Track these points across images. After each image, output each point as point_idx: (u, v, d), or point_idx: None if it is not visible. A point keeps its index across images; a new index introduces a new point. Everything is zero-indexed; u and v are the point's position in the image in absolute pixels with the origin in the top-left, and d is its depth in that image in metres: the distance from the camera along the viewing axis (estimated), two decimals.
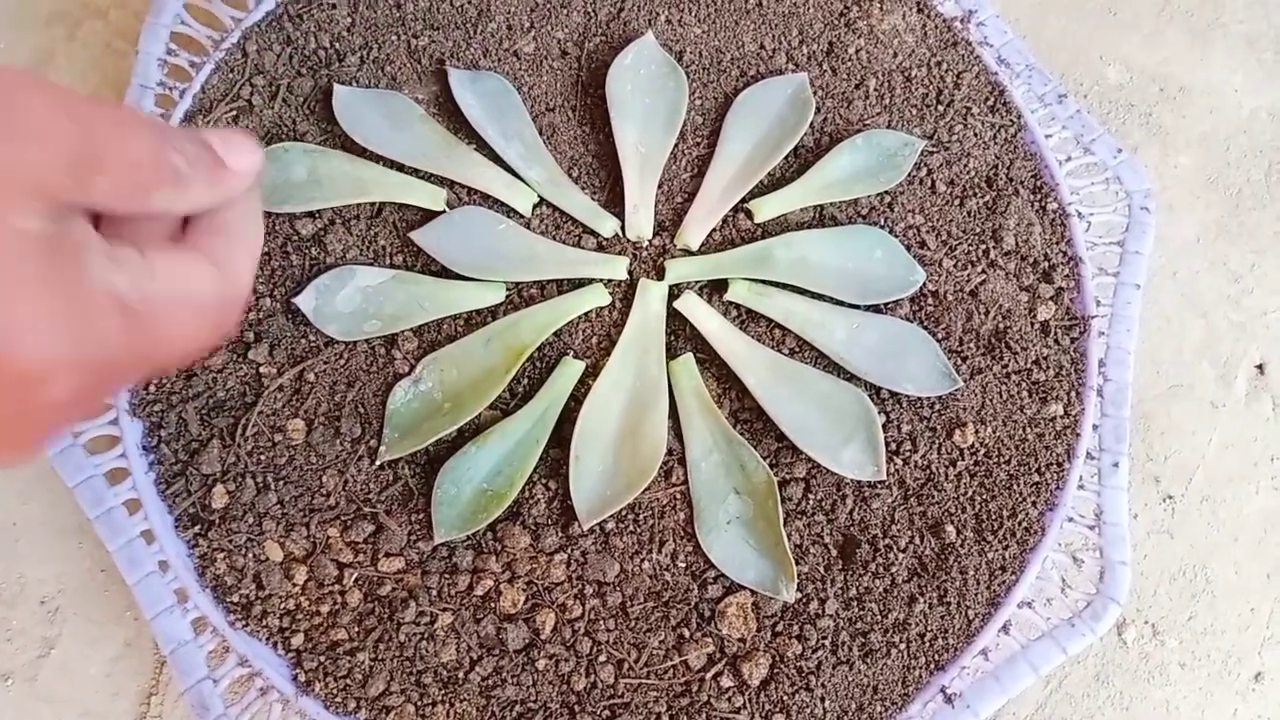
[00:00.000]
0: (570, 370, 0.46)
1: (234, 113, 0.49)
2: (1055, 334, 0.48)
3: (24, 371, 0.21)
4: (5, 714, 0.48)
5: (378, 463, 0.44)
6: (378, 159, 0.49)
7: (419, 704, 0.41)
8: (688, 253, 0.49)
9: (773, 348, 0.47)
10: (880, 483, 0.45)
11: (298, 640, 0.42)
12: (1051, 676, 0.50)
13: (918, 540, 0.44)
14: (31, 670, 0.48)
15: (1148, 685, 0.50)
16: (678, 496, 0.44)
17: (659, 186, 0.50)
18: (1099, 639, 0.49)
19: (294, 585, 0.42)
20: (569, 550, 0.43)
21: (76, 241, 0.22)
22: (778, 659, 0.42)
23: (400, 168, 0.49)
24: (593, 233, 0.49)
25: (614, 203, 0.50)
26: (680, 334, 0.48)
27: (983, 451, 0.46)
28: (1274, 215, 0.58)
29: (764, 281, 0.48)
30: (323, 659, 0.41)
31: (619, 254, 0.49)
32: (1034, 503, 0.45)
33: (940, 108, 0.52)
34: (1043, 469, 0.46)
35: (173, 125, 0.29)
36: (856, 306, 0.48)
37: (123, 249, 0.23)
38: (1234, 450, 0.54)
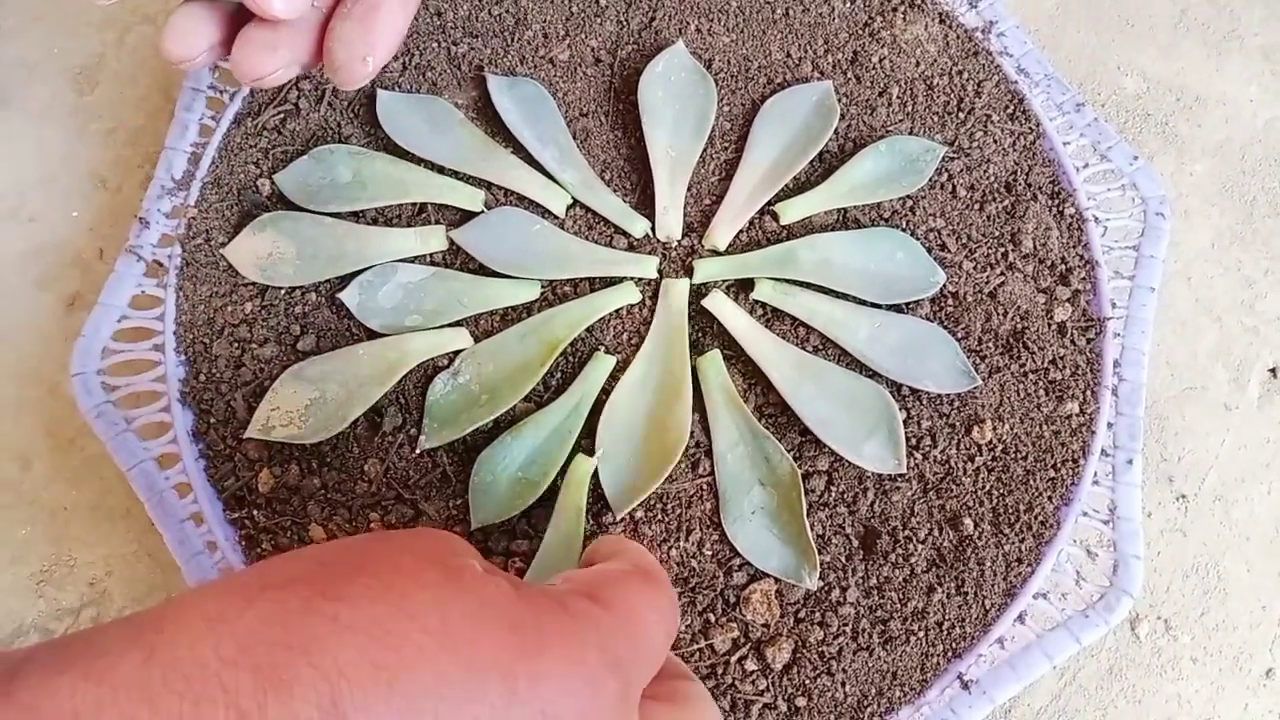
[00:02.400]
0: (602, 365, 0.48)
1: (281, 116, 0.51)
2: (1072, 335, 0.49)
3: None
4: None
5: (417, 451, 0.46)
6: (419, 161, 0.51)
7: None
8: (715, 253, 0.51)
9: (797, 345, 0.49)
10: (901, 476, 0.46)
11: None
12: (1065, 669, 0.51)
13: (936, 532, 0.46)
14: None
15: (1160, 679, 0.51)
16: (704, 487, 0.46)
17: (688, 189, 0.52)
18: (1112, 632, 0.51)
19: None
20: (599, 536, 0.45)
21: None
22: (800, 644, 0.44)
23: (440, 170, 0.51)
24: (624, 233, 0.51)
25: (644, 204, 0.52)
26: (708, 331, 0.49)
27: (1000, 447, 0.47)
28: None
29: (789, 281, 0.49)
30: None
31: (649, 254, 0.51)
32: (1050, 498, 0.47)
33: (961, 115, 0.54)
34: (1058, 465, 0.47)
35: None
36: (878, 306, 0.49)
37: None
38: (1247, 451, 0.55)
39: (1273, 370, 0.57)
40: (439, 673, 0.19)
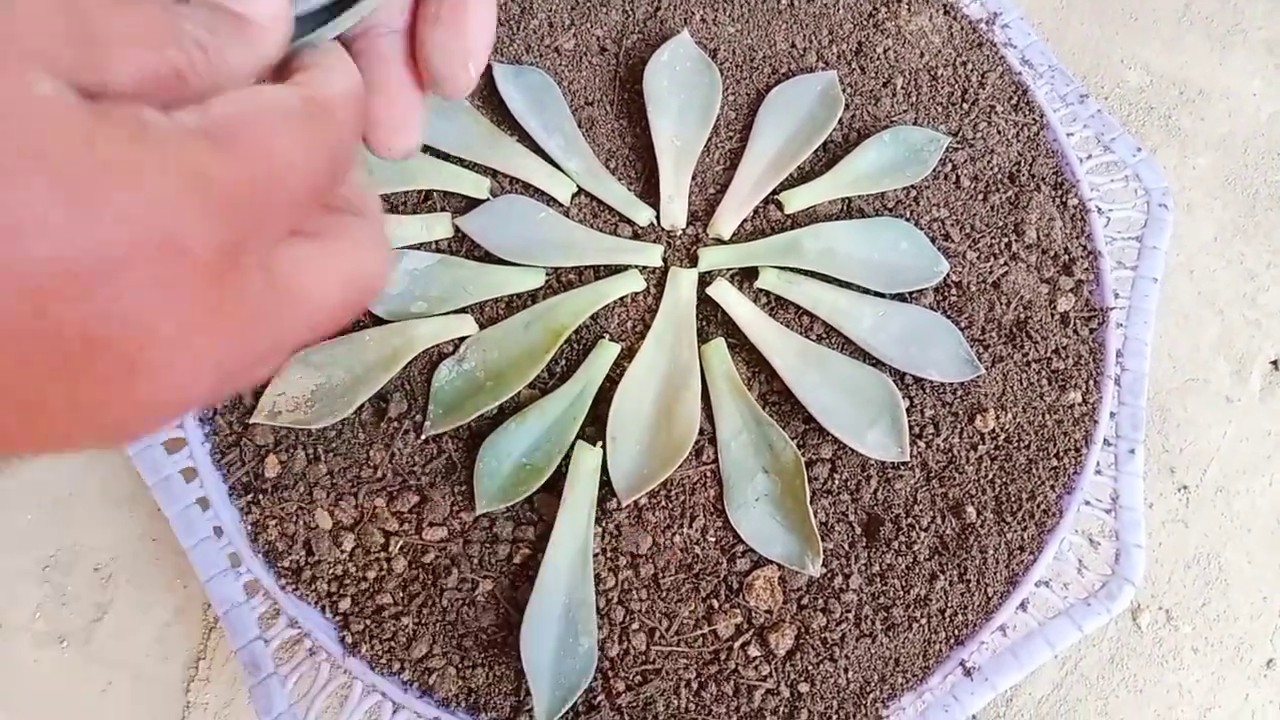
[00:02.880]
0: (606, 352, 0.48)
1: None
2: (1074, 324, 0.50)
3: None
4: (61, 675, 0.50)
5: (423, 437, 0.46)
6: (425, 149, 0.51)
7: (459, 666, 0.43)
8: (720, 242, 0.51)
9: (801, 334, 0.49)
10: (904, 464, 0.46)
11: (345, 604, 0.44)
12: (1067, 659, 0.51)
13: (939, 520, 0.46)
14: (86, 634, 0.51)
15: (1161, 669, 0.51)
16: (708, 474, 0.46)
17: (693, 178, 0.52)
18: (1114, 621, 0.51)
19: (342, 552, 0.44)
20: (604, 523, 0.45)
21: (125, 111, 0.18)
22: (803, 630, 0.44)
23: (446, 157, 0.51)
24: (629, 221, 0.51)
25: (649, 193, 0.52)
26: (712, 319, 0.50)
27: (1003, 436, 0.47)
28: None
29: (793, 270, 0.50)
30: (369, 622, 0.43)
31: (654, 242, 0.51)
32: (1052, 486, 0.47)
33: (965, 106, 0.54)
34: (1061, 454, 0.47)
35: None
36: (882, 295, 0.49)
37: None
38: (1248, 443, 0.55)
39: (1274, 363, 0.57)
40: None
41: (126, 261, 0.17)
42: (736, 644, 0.44)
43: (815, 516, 0.45)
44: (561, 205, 0.51)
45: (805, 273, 0.50)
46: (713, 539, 0.45)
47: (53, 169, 0.17)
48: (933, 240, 0.50)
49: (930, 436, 0.47)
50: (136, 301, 0.18)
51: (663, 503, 0.46)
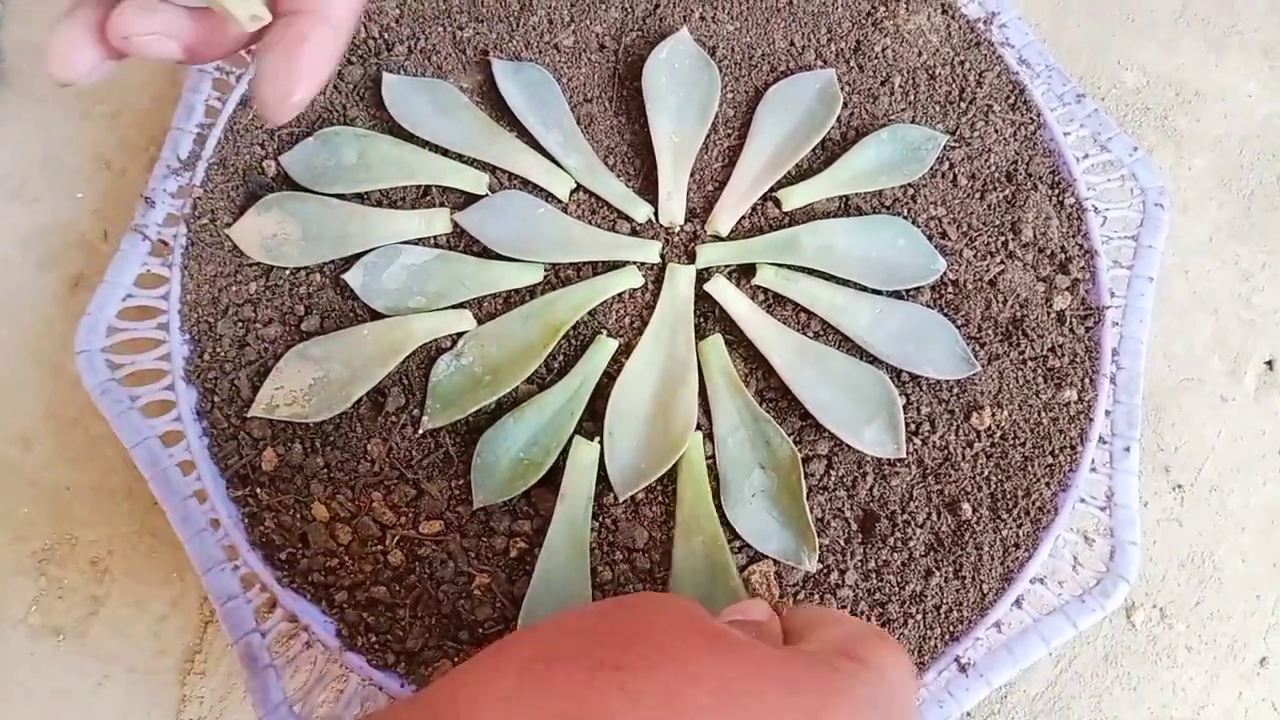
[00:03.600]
0: (604, 348, 0.48)
1: None
2: (1070, 323, 0.50)
3: None
4: (56, 668, 0.50)
5: (420, 431, 0.46)
6: (424, 144, 0.51)
7: (455, 659, 0.43)
8: (718, 238, 0.51)
9: (798, 330, 0.49)
10: (900, 461, 0.47)
11: (341, 597, 0.44)
12: (1061, 656, 0.51)
13: (935, 517, 0.46)
14: (81, 627, 0.50)
15: (1155, 667, 0.51)
16: (705, 470, 0.46)
17: (691, 175, 0.52)
18: (1108, 619, 0.51)
19: (338, 545, 0.44)
20: (600, 518, 0.45)
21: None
22: None
23: (445, 152, 0.51)
24: (627, 218, 0.51)
25: (648, 190, 0.52)
26: (709, 316, 0.50)
27: (999, 434, 0.48)
28: None
29: (791, 267, 0.50)
30: (365, 615, 0.43)
31: (652, 238, 0.51)
32: (1047, 484, 0.47)
33: (963, 104, 0.54)
34: (1056, 452, 0.48)
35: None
36: (879, 292, 0.50)
37: None
38: (1243, 443, 0.55)
39: (1269, 363, 0.57)
40: None
41: None
42: None
43: (811, 512, 0.45)
44: (560, 201, 0.51)
45: (803, 270, 0.50)
46: None
47: (780, 679, 0.22)
48: (930, 238, 0.50)
49: (926, 433, 0.47)
50: None
51: (659, 498, 0.46)
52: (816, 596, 0.44)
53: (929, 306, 0.49)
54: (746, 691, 0.21)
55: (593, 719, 0.20)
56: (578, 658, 0.21)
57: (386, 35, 0.53)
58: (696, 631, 0.23)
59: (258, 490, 0.45)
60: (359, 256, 0.48)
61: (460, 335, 0.48)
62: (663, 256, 0.51)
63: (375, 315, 0.48)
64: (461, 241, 0.50)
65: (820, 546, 0.45)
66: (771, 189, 0.52)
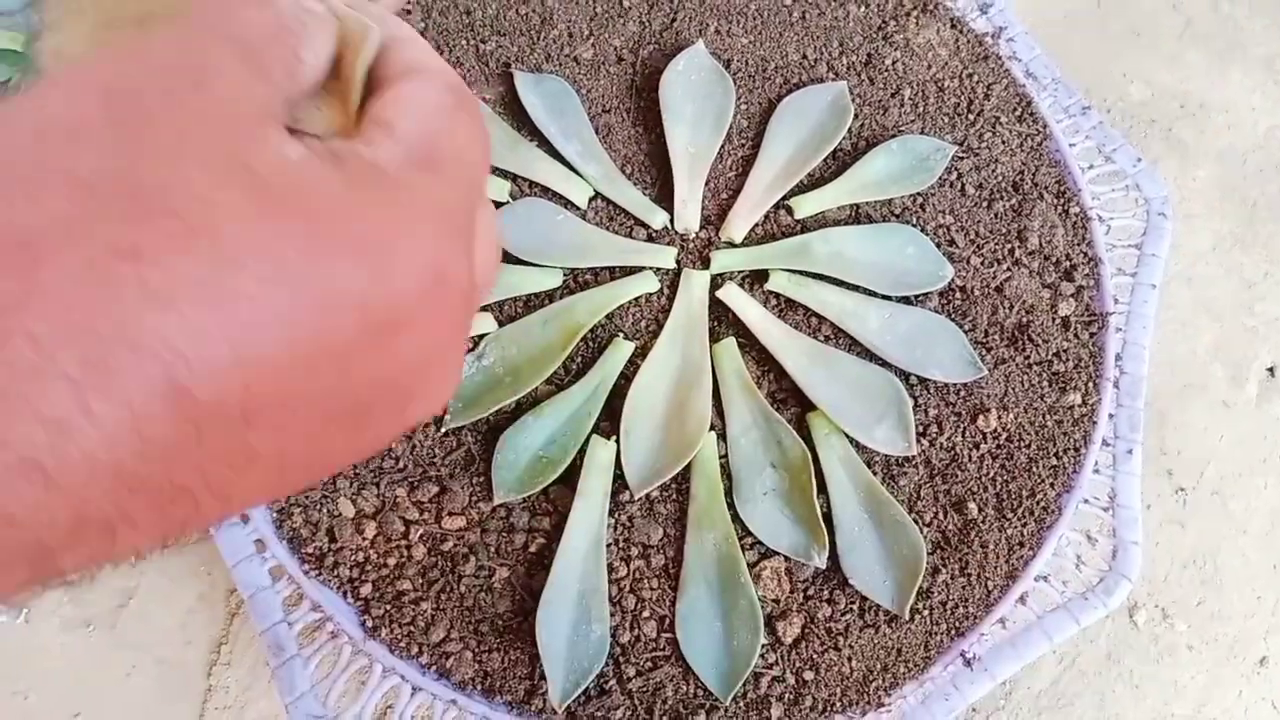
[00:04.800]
0: (621, 350, 0.49)
1: None
2: (1075, 329, 0.51)
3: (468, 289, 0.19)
4: (87, 657, 0.51)
5: (443, 430, 0.47)
6: None
7: (476, 650, 0.45)
8: (731, 245, 0.53)
9: (809, 335, 0.50)
10: (908, 461, 0.48)
11: (366, 589, 0.45)
12: (1065, 654, 0.52)
13: (942, 516, 0.47)
14: (111, 619, 0.52)
15: (1157, 666, 0.53)
16: (719, 469, 0.48)
17: (706, 184, 0.54)
18: (1111, 619, 0.52)
19: (364, 539, 0.46)
20: (617, 515, 0.47)
21: (349, 155, 0.18)
22: (809, 620, 0.45)
23: None
24: (644, 225, 0.53)
25: (664, 198, 0.54)
26: (723, 320, 0.51)
27: (1005, 436, 0.49)
28: None
29: (802, 273, 0.51)
30: (389, 607, 0.45)
31: (668, 245, 0.52)
32: (1052, 484, 0.48)
33: (971, 116, 0.55)
34: (1060, 453, 0.49)
35: None
36: (889, 298, 0.51)
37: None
38: (1244, 447, 0.57)
39: (1271, 369, 0.58)
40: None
41: (414, 307, 0.18)
42: None
43: (821, 510, 0.46)
44: (579, 208, 0.53)
45: (814, 275, 0.51)
46: None
47: (344, 238, 0.17)
48: (938, 246, 0.52)
49: (934, 435, 0.49)
50: (419, 340, 0.19)
51: (674, 495, 0.47)
52: (826, 591, 0.46)
53: (937, 312, 0.51)
54: (305, 266, 0.16)
55: (106, 338, 0.14)
56: (76, 239, 0.15)
57: None
58: (232, 177, 0.16)
59: None
60: None
61: (482, 337, 0.49)
62: (678, 262, 0.52)
63: None
64: None
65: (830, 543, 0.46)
66: (784, 197, 0.53)
